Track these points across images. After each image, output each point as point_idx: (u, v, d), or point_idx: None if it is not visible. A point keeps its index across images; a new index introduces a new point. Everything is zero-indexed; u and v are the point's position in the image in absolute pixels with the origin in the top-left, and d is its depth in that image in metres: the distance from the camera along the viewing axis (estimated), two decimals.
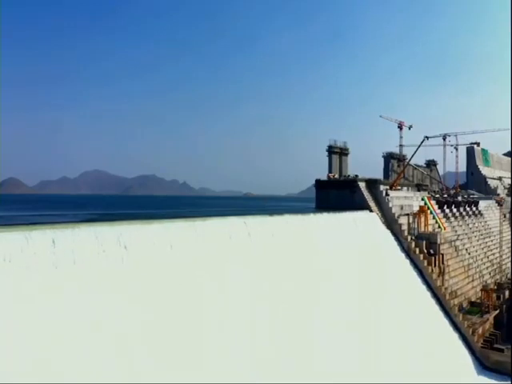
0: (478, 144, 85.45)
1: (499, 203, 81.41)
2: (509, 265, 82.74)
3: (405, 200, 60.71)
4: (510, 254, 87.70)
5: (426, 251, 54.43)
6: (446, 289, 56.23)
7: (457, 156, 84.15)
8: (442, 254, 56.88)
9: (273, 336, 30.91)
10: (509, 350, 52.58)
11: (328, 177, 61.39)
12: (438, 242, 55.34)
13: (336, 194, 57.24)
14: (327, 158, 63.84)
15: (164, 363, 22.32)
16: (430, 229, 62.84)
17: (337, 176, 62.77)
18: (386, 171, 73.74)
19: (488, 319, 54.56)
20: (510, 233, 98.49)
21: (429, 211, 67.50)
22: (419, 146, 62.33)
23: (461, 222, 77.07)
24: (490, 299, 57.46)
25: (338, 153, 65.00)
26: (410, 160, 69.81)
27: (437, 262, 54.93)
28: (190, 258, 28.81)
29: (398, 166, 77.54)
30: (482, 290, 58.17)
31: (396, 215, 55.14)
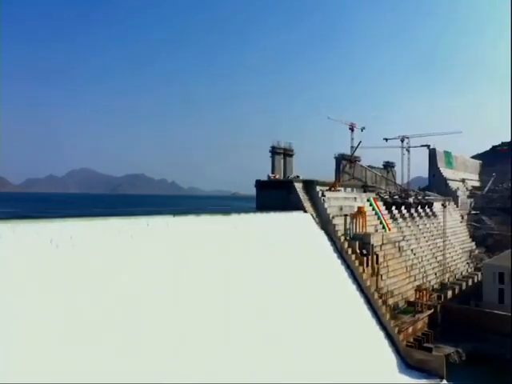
0: (427, 146, 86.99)
1: (443, 205, 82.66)
2: (459, 265, 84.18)
3: (344, 201, 61.47)
4: (462, 254, 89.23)
5: (358, 251, 55.14)
6: (380, 289, 57.11)
7: (409, 158, 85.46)
8: (377, 255, 57.74)
9: (191, 339, 31.18)
10: (438, 350, 53.71)
11: (268, 177, 61.95)
12: (371, 242, 56.10)
13: (274, 194, 57.74)
14: (270, 158, 64.41)
15: None
16: (373, 229, 63.71)
17: (278, 176, 63.35)
18: (338, 172, 74.60)
19: (419, 318, 55.47)
20: (466, 234, 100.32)
21: (374, 212, 68.60)
22: (356, 148, 63.21)
23: (410, 223, 78.20)
24: (424, 299, 58.40)
25: (281, 153, 65.64)
26: (348, 161, 71.19)
27: (370, 263, 55.69)
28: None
29: (350, 167, 78.41)
30: (415, 290, 59.09)
31: (331, 216, 55.77)
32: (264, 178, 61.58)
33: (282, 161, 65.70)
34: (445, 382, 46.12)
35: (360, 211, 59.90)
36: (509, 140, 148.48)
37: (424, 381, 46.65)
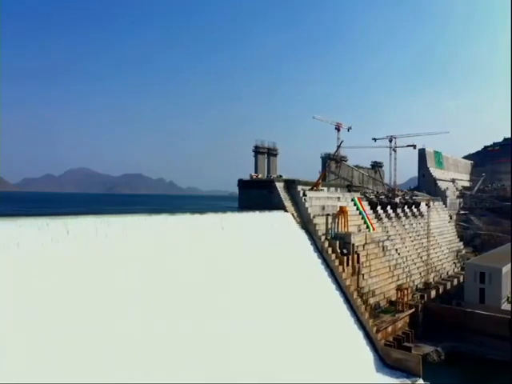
0: (414, 146, 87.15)
1: (427, 205, 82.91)
2: (445, 265, 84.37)
3: (327, 200, 61.56)
4: (449, 254, 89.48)
5: (339, 251, 55.24)
6: (361, 288, 57.26)
7: (395, 158, 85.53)
8: (358, 254, 57.84)
9: (170, 336, 31.38)
10: (417, 349, 53.89)
11: (251, 177, 62.05)
12: (352, 242, 56.20)
13: (256, 193, 57.89)
14: (253, 158, 64.51)
15: None
16: (356, 229, 63.86)
17: (260, 176, 63.46)
18: (323, 172, 74.63)
19: (399, 318, 55.62)
20: (454, 234, 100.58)
21: (358, 212, 68.78)
22: (338, 147, 63.33)
23: (395, 223, 78.35)
24: (406, 298, 58.57)
25: (264, 153, 65.74)
26: (334, 161, 71.20)
27: (350, 262, 55.80)
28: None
29: (336, 167, 78.57)
30: (396, 290, 59.23)
31: (312, 215, 55.86)
32: None
33: (266, 160, 65.79)
34: (421, 380, 46.29)
35: (342, 211, 59.99)
36: (500, 140, 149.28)
37: (401, 380, 46.80)
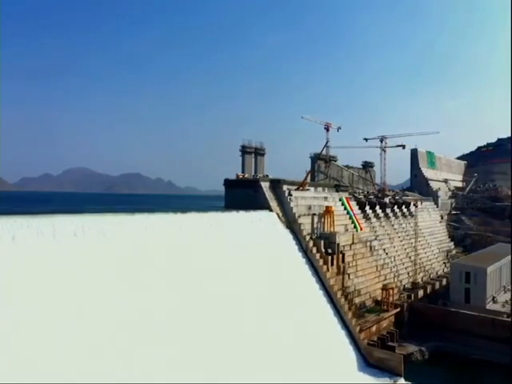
0: (403, 146, 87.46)
1: (415, 205, 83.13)
2: (434, 265, 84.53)
3: (313, 200, 61.65)
4: (439, 254, 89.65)
5: (324, 251, 55.33)
6: (346, 287, 57.39)
7: (385, 158, 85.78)
8: (343, 254, 57.95)
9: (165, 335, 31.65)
10: (402, 348, 53.98)
11: (237, 176, 62.16)
12: (337, 241, 56.31)
13: (242, 193, 57.97)
14: (240, 157, 64.64)
15: None
16: (343, 229, 63.98)
17: (247, 176, 63.57)
18: (311, 171, 74.78)
19: (383, 318, 55.74)
20: (445, 234, 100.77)
21: (345, 211, 68.90)
22: (324, 148, 63.58)
23: (384, 223, 78.47)
24: (391, 298, 58.70)
25: (251, 153, 65.84)
26: (319, 161, 71.50)
27: (335, 262, 55.90)
28: None
29: (325, 167, 78.69)
30: (382, 289, 59.34)
31: (297, 215, 55.98)
32: None
33: (253, 160, 65.90)
34: (403, 380, 46.41)
35: (328, 210, 60.09)
36: (494, 141, 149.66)
37: (382, 379, 46.90)
